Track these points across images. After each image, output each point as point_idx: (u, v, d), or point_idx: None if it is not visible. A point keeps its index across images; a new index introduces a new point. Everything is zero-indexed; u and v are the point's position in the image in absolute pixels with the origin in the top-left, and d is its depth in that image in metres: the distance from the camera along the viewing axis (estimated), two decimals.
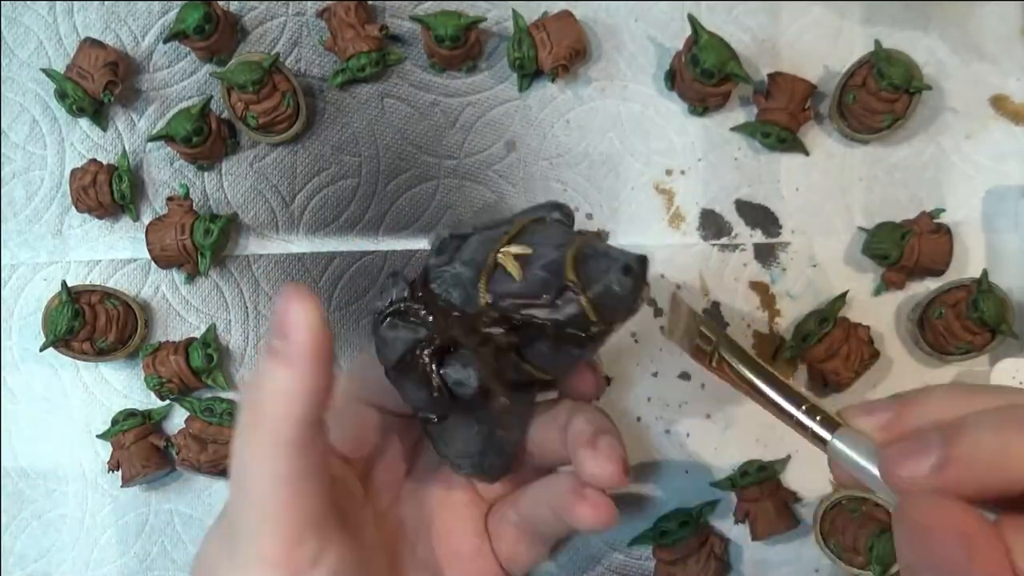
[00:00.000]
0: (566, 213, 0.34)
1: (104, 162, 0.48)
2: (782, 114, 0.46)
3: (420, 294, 0.32)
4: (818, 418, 0.30)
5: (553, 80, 0.48)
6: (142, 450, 0.46)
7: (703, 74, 0.45)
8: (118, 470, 0.46)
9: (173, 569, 0.47)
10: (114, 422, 0.47)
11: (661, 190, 0.48)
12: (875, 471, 0.28)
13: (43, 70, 0.48)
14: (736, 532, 0.46)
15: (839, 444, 0.29)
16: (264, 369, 0.31)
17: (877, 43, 0.45)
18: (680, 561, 0.45)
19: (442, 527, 0.38)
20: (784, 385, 0.31)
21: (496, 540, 0.39)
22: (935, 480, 0.26)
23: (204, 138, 0.46)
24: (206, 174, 0.48)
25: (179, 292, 0.48)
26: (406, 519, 0.38)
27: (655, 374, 0.47)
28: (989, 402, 0.27)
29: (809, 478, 0.46)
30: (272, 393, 0.31)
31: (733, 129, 0.47)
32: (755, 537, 0.45)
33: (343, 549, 0.32)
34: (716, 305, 0.47)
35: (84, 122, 0.49)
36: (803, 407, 0.30)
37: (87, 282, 0.48)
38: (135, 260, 0.48)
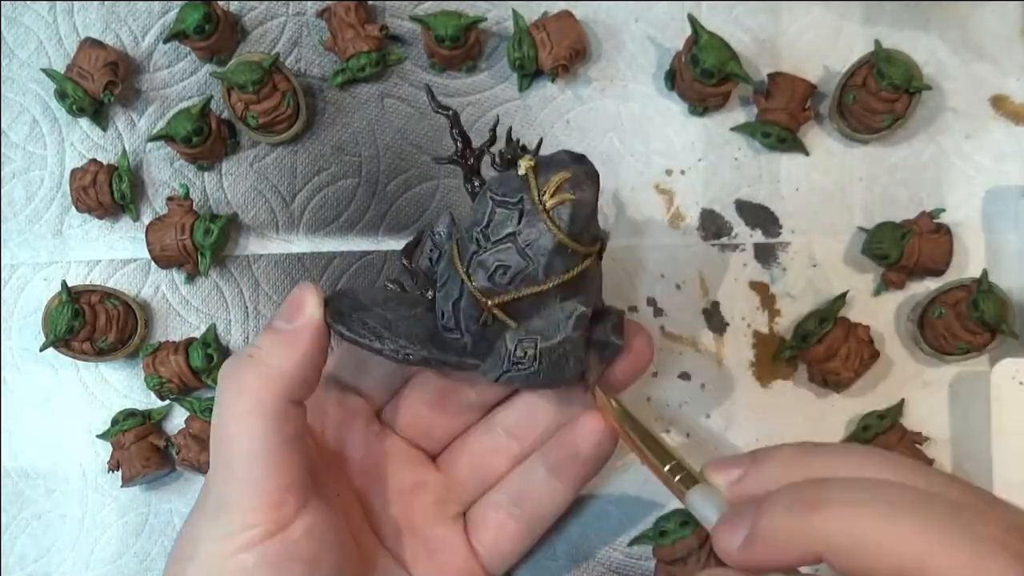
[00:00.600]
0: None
1: (104, 162, 0.48)
2: (782, 114, 0.46)
3: None
4: (678, 476, 0.32)
5: (553, 80, 0.48)
6: (142, 450, 0.46)
7: (703, 74, 0.45)
8: (118, 470, 0.46)
9: None
10: (114, 422, 0.47)
11: (661, 190, 0.48)
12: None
13: (43, 70, 0.48)
14: None
15: (692, 498, 0.31)
16: (262, 345, 0.34)
17: (877, 43, 0.45)
18: (680, 561, 0.45)
19: (404, 513, 0.39)
20: (656, 444, 0.34)
21: (478, 531, 0.40)
22: (743, 556, 0.28)
23: (204, 138, 0.46)
24: (206, 174, 0.48)
25: (179, 292, 0.48)
26: (373, 504, 0.39)
27: (655, 374, 0.47)
28: (826, 464, 0.28)
29: None
30: (265, 367, 0.34)
31: (733, 129, 0.47)
32: None
33: (320, 511, 0.34)
34: (716, 305, 0.47)
35: (84, 122, 0.49)
36: (669, 464, 0.33)
37: (87, 282, 0.48)
38: (135, 260, 0.48)
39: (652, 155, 0.48)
